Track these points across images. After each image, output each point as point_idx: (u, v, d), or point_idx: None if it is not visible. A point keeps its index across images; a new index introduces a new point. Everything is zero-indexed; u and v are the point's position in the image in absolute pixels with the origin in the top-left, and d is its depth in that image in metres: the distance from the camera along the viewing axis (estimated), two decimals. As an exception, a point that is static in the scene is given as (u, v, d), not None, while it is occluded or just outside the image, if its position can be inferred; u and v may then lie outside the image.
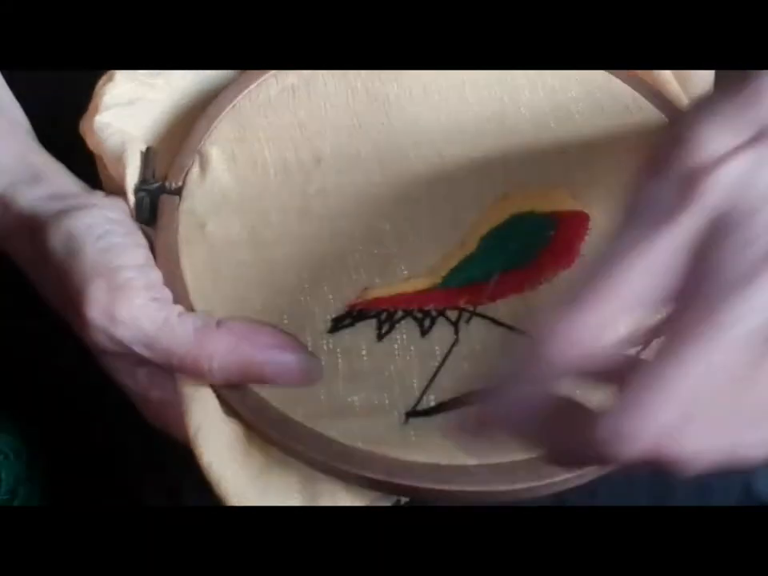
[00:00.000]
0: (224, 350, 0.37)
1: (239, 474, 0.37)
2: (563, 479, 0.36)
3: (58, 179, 0.43)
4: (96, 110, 0.45)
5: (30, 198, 0.41)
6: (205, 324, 0.38)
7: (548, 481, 0.36)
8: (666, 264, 0.29)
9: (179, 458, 0.37)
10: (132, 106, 0.46)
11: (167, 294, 0.40)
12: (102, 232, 0.40)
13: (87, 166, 0.45)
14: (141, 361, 0.38)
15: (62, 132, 0.45)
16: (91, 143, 0.45)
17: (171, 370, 0.38)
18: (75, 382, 0.48)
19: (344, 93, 0.47)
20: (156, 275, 0.40)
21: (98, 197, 0.42)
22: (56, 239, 0.39)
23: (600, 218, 0.43)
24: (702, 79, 0.47)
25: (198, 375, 0.37)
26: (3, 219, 0.42)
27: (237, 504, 0.36)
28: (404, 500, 0.38)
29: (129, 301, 0.37)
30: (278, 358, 0.37)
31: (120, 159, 0.43)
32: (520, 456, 0.36)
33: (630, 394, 0.27)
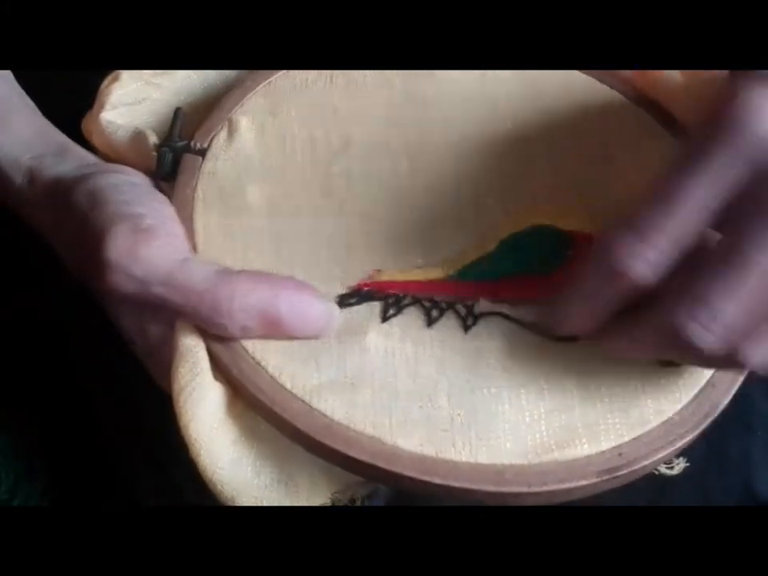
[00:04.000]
0: (244, 290, 0.36)
1: (215, 440, 0.36)
2: (550, 490, 0.36)
3: (83, 152, 0.44)
4: (102, 109, 0.45)
5: (57, 168, 0.42)
6: (225, 268, 0.38)
7: (536, 489, 0.36)
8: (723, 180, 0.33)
9: (179, 458, 0.37)
10: (138, 105, 0.46)
11: (188, 245, 0.39)
12: (127, 188, 0.40)
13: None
14: (155, 314, 0.38)
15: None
16: (97, 139, 0.45)
17: (187, 315, 0.37)
18: (76, 381, 0.48)
19: (382, 87, 0.47)
20: (179, 228, 0.40)
21: (124, 168, 0.43)
22: (81, 194, 0.39)
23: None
24: None
25: (216, 317, 0.37)
26: (30, 192, 0.42)
27: (209, 472, 0.36)
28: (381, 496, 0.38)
29: (149, 242, 0.37)
30: (296, 299, 0.37)
31: (135, 138, 0.44)
32: (511, 460, 0.36)
33: (702, 286, 0.33)
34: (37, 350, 0.49)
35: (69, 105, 0.45)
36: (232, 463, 0.37)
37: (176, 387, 0.37)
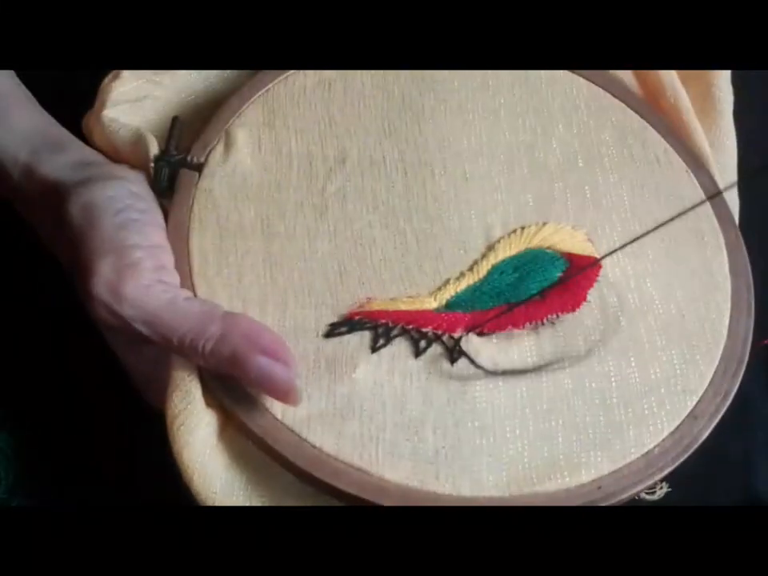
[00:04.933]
0: (222, 338, 0.37)
1: (207, 465, 0.37)
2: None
3: (81, 148, 0.43)
4: (103, 106, 0.45)
5: (53, 165, 0.42)
6: (211, 308, 0.38)
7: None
8: None
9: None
10: (139, 102, 0.46)
11: (176, 277, 0.40)
12: (122, 206, 0.40)
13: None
14: (145, 340, 0.38)
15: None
16: (99, 137, 0.45)
17: (170, 350, 0.38)
18: (76, 382, 0.48)
19: (380, 96, 0.47)
20: (168, 258, 0.40)
21: (123, 168, 0.42)
22: (76, 207, 0.39)
23: (611, 268, 0.43)
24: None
25: (193, 356, 0.37)
26: (28, 187, 0.42)
27: (202, 496, 0.37)
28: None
29: (135, 280, 0.37)
30: (266, 367, 0.37)
31: (136, 142, 0.43)
32: (492, 492, 0.37)
33: None
34: (37, 349, 0.49)
35: (69, 105, 0.45)
36: (224, 488, 0.38)
37: (169, 414, 0.38)
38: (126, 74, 0.45)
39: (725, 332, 0.42)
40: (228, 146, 0.44)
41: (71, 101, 0.45)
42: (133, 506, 0.43)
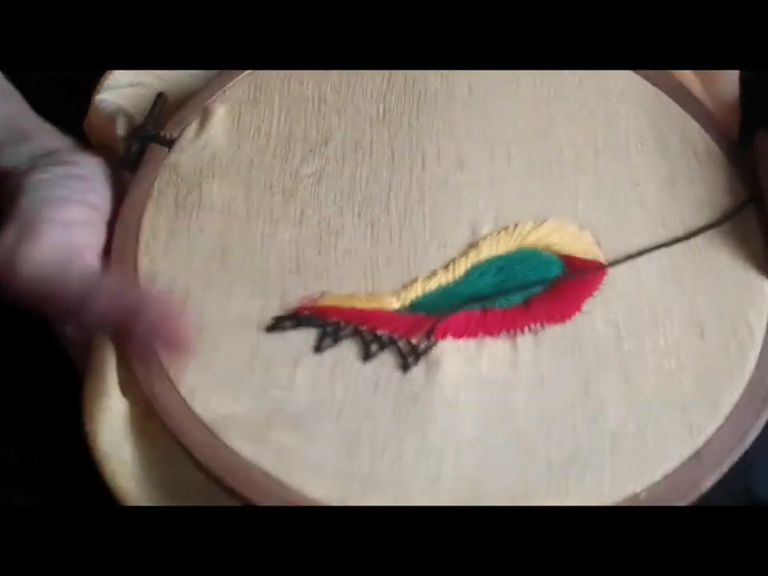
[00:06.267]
0: (111, 292, 0.35)
1: (128, 463, 0.34)
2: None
3: (45, 138, 0.42)
4: (98, 92, 0.43)
5: (12, 156, 0.41)
6: (102, 272, 0.37)
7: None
8: None
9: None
10: (131, 88, 0.43)
11: (90, 258, 0.38)
12: (52, 185, 0.38)
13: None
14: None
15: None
16: (93, 121, 0.43)
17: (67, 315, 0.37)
18: (75, 381, 0.46)
19: (380, 76, 0.42)
20: (83, 237, 0.38)
21: (80, 154, 0.41)
22: (18, 189, 0.38)
23: (619, 276, 0.36)
24: None
25: (87, 317, 0.36)
26: None
27: (122, 498, 0.34)
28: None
29: (33, 242, 0.36)
30: (160, 311, 0.35)
31: (114, 117, 0.42)
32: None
33: None
34: (36, 349, 0.48)
35: (69, 105, 0.44)
36: (148, 491, 0.34)
37: (84, 399, 0.35)
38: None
39: (754, 359, 0.34)
40: (203, 123, 0.41)
41: (71, 101, 0.44)
42: (135, 506, 0.42)
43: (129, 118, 0.42)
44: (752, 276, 0.36)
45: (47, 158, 0.40)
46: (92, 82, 0.44)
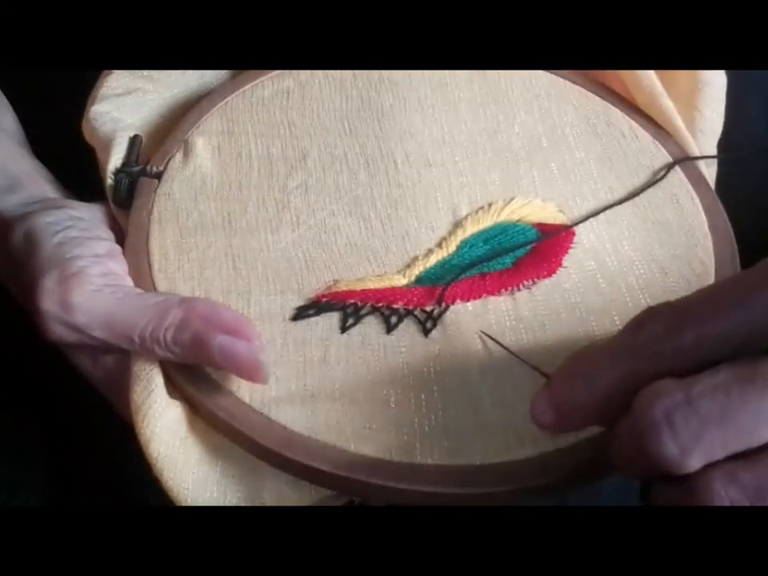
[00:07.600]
0: (181, 324, 0.36)
1: (178, 459, 0.35)
2: (521, 488, 0.34)
3: (37, 187, 0.43)
4: (93, 102, 0.45)
5: (3, 206, 0.41)
6: (166, 298, 0.37)
7: (503, 488, 0.34)
8: None
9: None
10: (128, 96, 0.46)
11: (128, 281, 0.39)
12: (61, 228, 0.39)
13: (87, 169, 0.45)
14: (106, 348, 0.37)
15: (62, 132, 0.45)
16: (87, 134, 0.45)
17: (133, 350, 0.37)
18: (76, 381, 0.46)
19: (338, 98, 0.47)
20: (116, 265, 0.39)
21: (72, 202, 0.42)
22: (18, 236, 0.39)
23: (585, 235, 0.42)
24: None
25: (156, 349, 0.36)
26: None
27: (174, 492, 0.35)
28: (357, 501, 0.36)
29: (81, 287, 0.36)
30: (228, 345, 0.35)
31: (107, 146, 0.43)
32: (477, 460, 0.35)
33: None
34: (36, 349, 0.48)
35: (69, 105, 0.45)
36: (197, 483, 0.35)
37: (133, 407, 0.36)
38: (119, 71, 0.46)
39: None
40: (187, 153, 0.44)
41: (72, 101, 0.45)
42: (134, 506, 0.42)
43: (123, 131, 0.44)
44: (691, 221, 0.43)
45: (42, 204, 0.41)
46: (89, 82, 0.46)
